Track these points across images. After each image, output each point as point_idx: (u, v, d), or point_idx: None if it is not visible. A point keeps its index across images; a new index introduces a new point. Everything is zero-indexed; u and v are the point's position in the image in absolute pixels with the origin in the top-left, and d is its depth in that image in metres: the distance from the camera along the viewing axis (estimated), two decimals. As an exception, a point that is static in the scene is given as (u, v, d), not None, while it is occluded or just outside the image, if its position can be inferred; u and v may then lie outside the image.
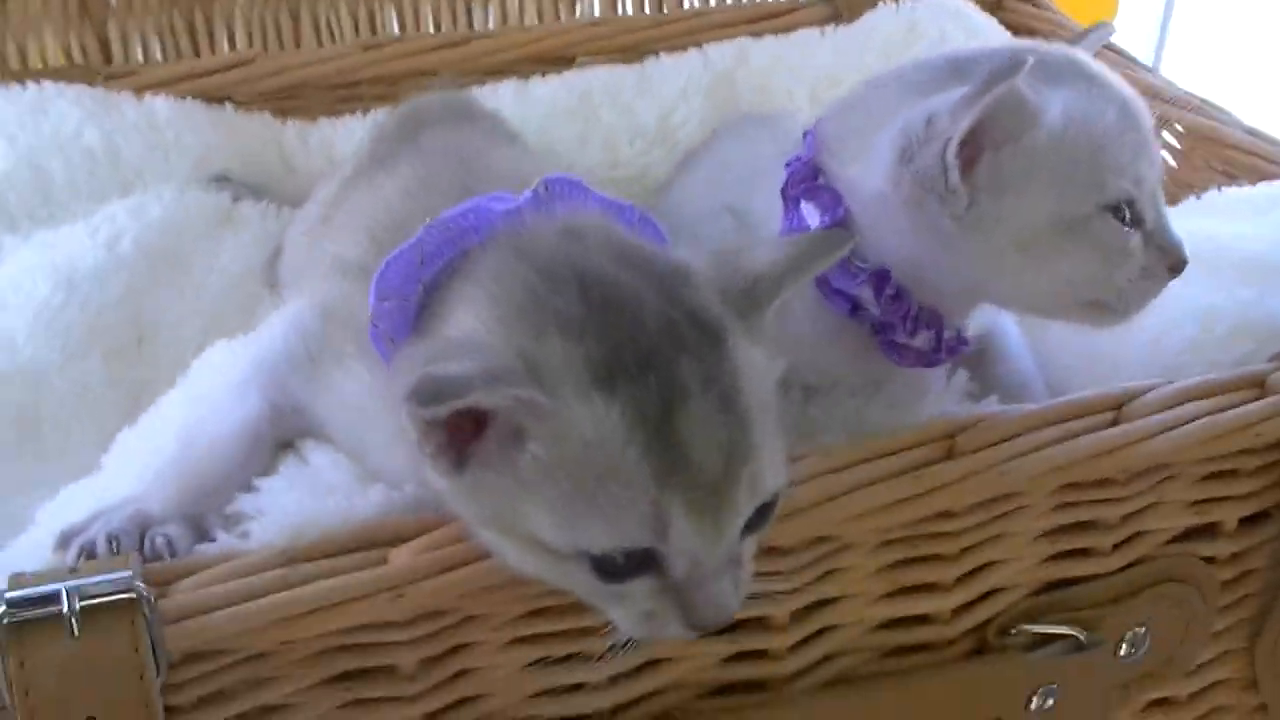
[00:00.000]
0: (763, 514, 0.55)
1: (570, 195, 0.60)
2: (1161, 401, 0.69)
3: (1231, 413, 0.69)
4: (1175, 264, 0.68)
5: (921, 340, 0.69)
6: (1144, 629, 0.74)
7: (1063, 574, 0.72)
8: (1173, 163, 1.05)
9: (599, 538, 0.52)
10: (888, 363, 0.71)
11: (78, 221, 0.86)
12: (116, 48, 1.07)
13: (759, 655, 0.67)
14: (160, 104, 0.97)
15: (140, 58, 1.08)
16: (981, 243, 0.66)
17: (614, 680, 0.65)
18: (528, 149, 0.84)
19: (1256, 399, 0.70)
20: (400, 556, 0.58)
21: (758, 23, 1.16)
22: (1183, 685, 0.79)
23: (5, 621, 0.52)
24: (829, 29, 1.12)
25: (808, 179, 0.69)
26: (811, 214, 0.69)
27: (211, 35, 1.10)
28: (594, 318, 0.52)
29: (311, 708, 0.60)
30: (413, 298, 0.58)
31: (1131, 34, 1.81)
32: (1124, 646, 0.74)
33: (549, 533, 0.52)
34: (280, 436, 0.65)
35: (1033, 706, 0.71)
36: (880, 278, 0.68)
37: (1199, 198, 0.91)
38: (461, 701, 0.63)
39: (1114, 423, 0.68)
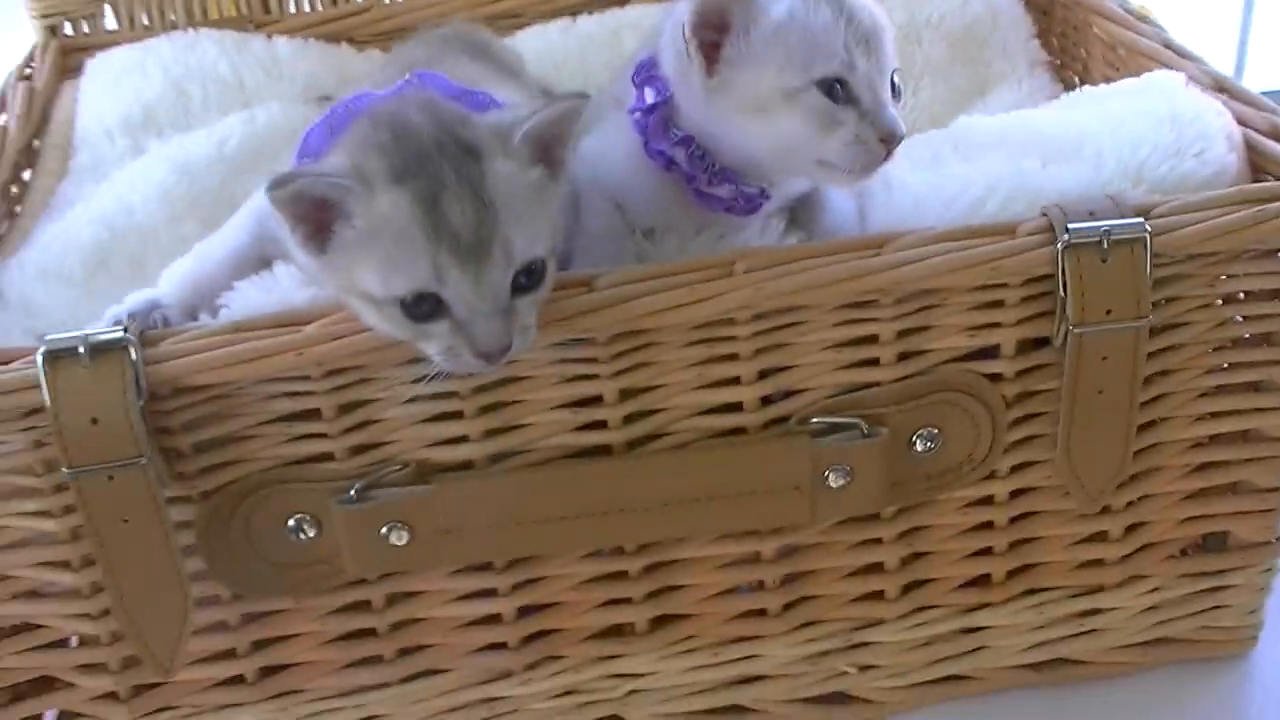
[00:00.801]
0: (532, 279, 0.80)
1: (432, 82, 0.86)
2: (918, 240, 0.87)
3: (976, 250, 0.86)
4: (885, 136, 0.87)
5: (724, 190, 0.91)
6: (936, 430, 0.92)
7: (854, 380, 0.91)
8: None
9: (401, 285, 0.78)
10: (708, 212, 0.92)
11: (203, 129, 1.18)
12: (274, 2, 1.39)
13: (600, 426, 0.90)
14: (282, 43, 1.28)
15: (293, 9, 1.39)
16: (727, 107, 0.88)
17: (489, 434, 0.90)
18: (503, 66, 1.09)
19: (1006, 242, 0.88)
20: (310, 328, 0.84)
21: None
22: (998, 486, 0.96)
23: (44, 352, 0.81)
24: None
25: (650, 69, 0.92)
26: (649, 95, 0.92)
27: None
28: (397, 144, 0.79)
29: (266, 439, 0.88)
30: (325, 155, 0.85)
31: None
32: (919, 443, 0.93)
33: (373, 286, 0.78)
34: (262, 257, 0.92)
35: (830, 482, 0.91)
36: (687, 141, 0.90)
37: (1072, 92, 1.07)
38: (374, 445, 0.89)
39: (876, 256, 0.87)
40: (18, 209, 1.13)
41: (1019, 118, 1.02)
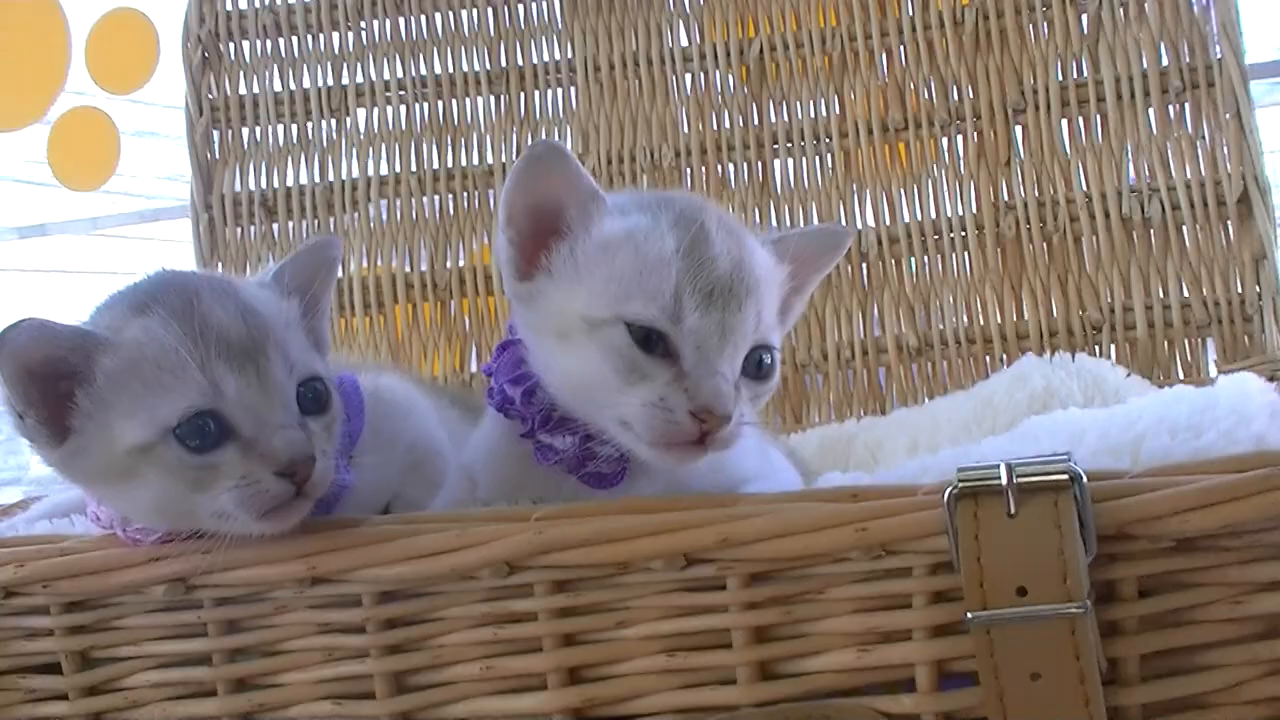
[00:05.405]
0: (318, 401, 0.71)
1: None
2: (767, 499, 0.65)
3: (841, 508, 0.62)
4: (698, 410, 0.66)
5: (561, 442, 0.72)
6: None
7: (698, 700, 0.66)
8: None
9: (172, 410, 0.66)
10: (574, 487, 0.73)
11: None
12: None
13: None
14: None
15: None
16: (535, 323, 0.73)
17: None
18: None
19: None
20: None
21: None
22: None
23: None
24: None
25: None
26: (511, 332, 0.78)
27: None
28: (139, 286, 0.72)
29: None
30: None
31: None
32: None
33: (137, 433, 0.66)
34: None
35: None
36: (524, 379, 0.74)
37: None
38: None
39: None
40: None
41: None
